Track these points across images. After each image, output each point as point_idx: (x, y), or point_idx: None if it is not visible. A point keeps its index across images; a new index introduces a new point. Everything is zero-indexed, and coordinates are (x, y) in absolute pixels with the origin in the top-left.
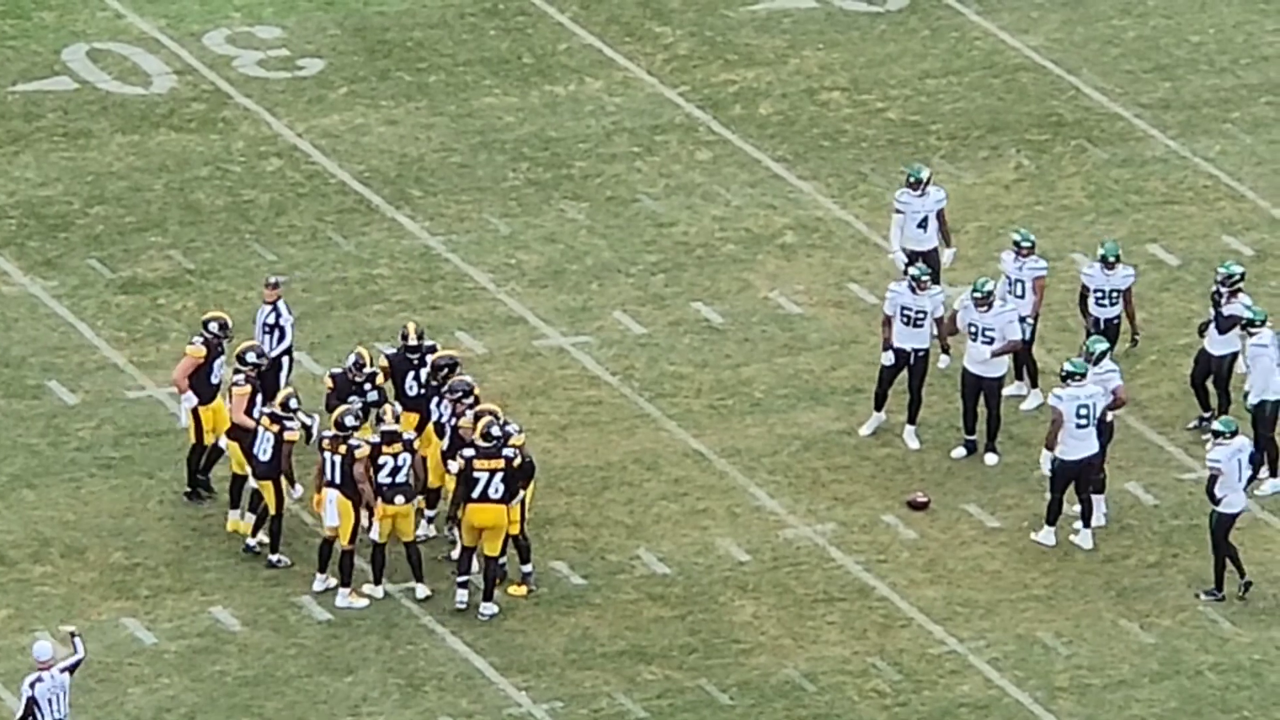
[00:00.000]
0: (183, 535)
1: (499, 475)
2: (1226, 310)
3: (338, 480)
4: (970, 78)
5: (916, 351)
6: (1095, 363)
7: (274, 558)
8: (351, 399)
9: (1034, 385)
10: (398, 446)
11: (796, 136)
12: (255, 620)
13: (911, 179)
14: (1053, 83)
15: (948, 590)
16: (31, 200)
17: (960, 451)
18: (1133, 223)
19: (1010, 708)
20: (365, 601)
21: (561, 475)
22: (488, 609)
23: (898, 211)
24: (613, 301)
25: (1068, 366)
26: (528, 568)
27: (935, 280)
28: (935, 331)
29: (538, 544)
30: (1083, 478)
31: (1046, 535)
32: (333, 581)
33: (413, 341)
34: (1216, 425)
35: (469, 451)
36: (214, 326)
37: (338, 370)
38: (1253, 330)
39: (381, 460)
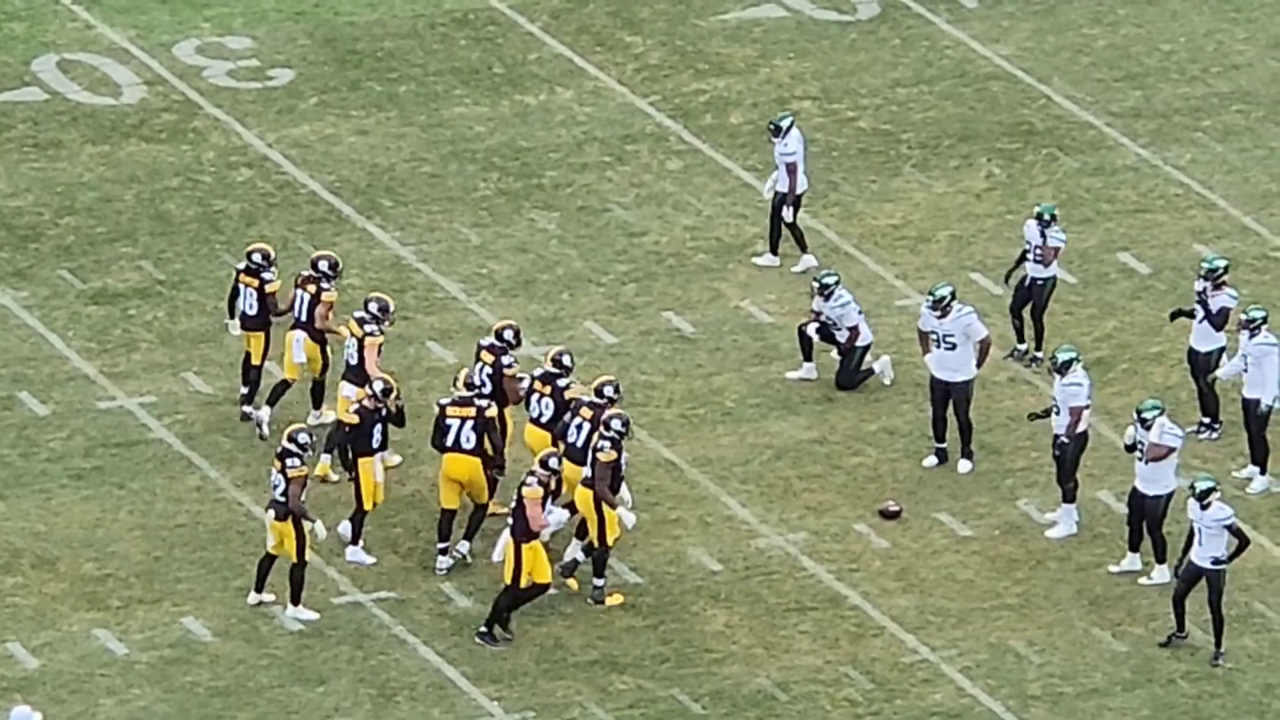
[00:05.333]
0: (154, 546)
1: (470, 424)
2: (1214, 304)
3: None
4: (941, 87)
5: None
6: (1061, 371)
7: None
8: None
9: (1038, 346)
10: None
11: (768, 146)
12: (227, 631)
13: (771, 125)
14: (1024, 91)
15: (920, 599)
16: (2, 211)
17: (931, 460)
18: (1104, 231)
19: (983, 716)
20: (315, 614)
21: None
22: (463, 547)
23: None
24: (584, 311)
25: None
26: (600, 581)
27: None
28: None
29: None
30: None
31: (1161, 574)
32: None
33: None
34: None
35: (445, 400)
36: (374, 307)
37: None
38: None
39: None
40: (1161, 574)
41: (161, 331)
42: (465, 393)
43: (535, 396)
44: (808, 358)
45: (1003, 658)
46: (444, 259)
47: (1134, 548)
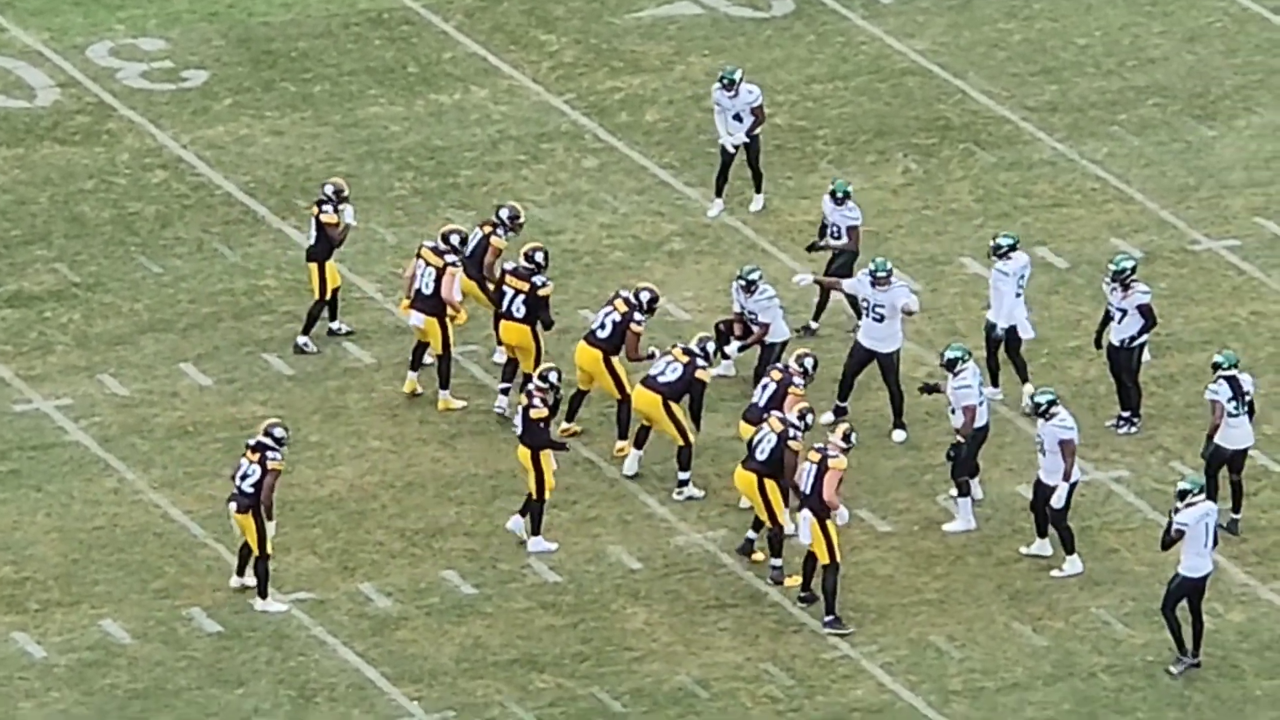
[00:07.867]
0: (71, 548)
1: (521, 297)
2: (1129, 304)
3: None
4: (857, 82)
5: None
6: (952, 370)
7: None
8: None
9: (994, 384)
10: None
11: (683, 143)
12: (145, 633)
13: (724, 80)
14: (939, 86)
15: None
16: None
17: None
18: (1021, 226)
19: (903, 712)
20: (284, 606)
21: (452, 484)
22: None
23: (717, 106)
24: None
25: (1183, 485)
26: (777, 561)
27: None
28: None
29: (427, 553)
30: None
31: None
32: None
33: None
34: (1183, 484)
35: (509, 265)
36: (455, 239)
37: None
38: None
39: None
40: (1074, 564)
41: (77, 334)
42: (526, 265)
43: (667, 360)
44: (725, 355)
45: (923, 653)
46: (360, 259)
47: (1041, 534)
